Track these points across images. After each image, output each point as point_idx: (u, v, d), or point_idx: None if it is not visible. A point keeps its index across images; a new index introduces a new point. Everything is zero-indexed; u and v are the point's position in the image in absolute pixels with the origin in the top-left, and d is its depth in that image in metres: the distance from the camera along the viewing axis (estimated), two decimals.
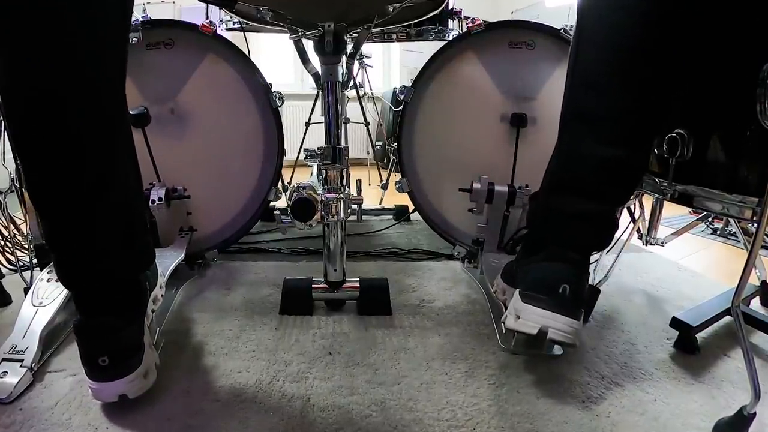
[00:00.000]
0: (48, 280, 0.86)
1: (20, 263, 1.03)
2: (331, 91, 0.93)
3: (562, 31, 1.14)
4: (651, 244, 0.90)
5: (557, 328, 0.67)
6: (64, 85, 0.56)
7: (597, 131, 0.70)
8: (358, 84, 2.15)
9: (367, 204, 1.71)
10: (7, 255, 1.11)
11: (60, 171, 0.58)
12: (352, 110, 1.90)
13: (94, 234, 0.62)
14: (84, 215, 0.61)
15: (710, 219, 1.70)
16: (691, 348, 0.82)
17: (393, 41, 1.64)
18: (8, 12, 0.52)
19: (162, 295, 0.84)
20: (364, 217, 1.70)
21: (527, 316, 0.69)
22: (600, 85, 0.70)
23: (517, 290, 0.73)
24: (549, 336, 0.67)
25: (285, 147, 1.18)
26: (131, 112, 1.02)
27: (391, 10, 0.89)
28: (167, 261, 0.99)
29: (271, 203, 1.23)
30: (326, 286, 0.96)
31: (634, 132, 0.70)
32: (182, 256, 1.05)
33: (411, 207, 1.40)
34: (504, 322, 0.76)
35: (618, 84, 0.68)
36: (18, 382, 0.67)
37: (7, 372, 0.68)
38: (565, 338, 0.67)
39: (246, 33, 1.52)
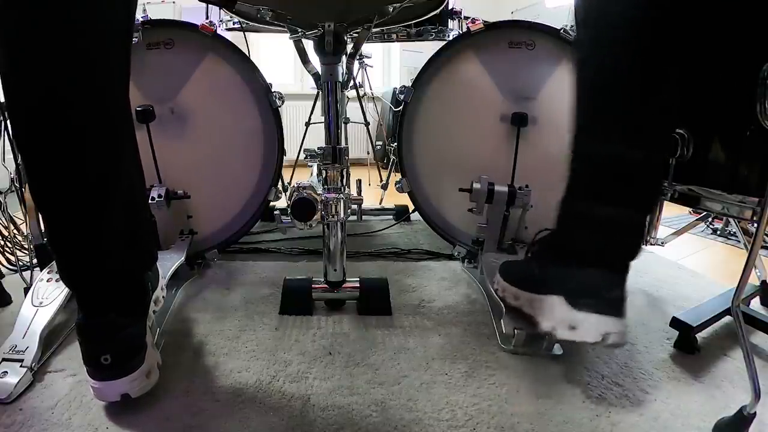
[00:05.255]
0: (48, 280, 0.86)
1: (20, 263, 1.04)
2: (331, 91, 0.93)
3: (562, 31, 1.14)
4: (651, 244, 0.90)
5: (616, 332, 0.66)
6: (69, 86, 0.56)
7: (612, 134, 0.69)
8: (358, 84, 2.15)
9: (367, 204, 1.71)
10: (7, 255, 1.11)
11: (64, 172, 0.58)
12: (352, 110, 1.91)
13: (99, 234, 0.62)
14: (88, 216, 0.60)
15: (710, 219, 1.69)
16: (691, 348, 0.82)
17: (393, 41, 1.64)
18: (13, 11, 0.51)
19: (163, 297, 0.84)
20: (364, 217, 1.70)
21: (585, 325, 0.67)
22: (609, 89, 0.68)
23: (559, 297, 0.70)
24: (611, 341, 0.65)
25: (285, 147, 1.18)
26: (136, 108, 1.03)
27: (391, 10, 0.89)
28: (167, 263, 0.99)
29: (271, 203, 1.23)
30: (326, 286, 0.96)
31: (649, 132, 0.69)
32: (182, 258, 1.05)
33: (411, 207, 1.40)
34: (554, 334, 0.70)
35: (628, 86, 0.67)
36: (18, 382, 0.67)
37: (7, 372, 0.68)
38: (622, 339, 0.67)
39: (246, 33, 1.52)
